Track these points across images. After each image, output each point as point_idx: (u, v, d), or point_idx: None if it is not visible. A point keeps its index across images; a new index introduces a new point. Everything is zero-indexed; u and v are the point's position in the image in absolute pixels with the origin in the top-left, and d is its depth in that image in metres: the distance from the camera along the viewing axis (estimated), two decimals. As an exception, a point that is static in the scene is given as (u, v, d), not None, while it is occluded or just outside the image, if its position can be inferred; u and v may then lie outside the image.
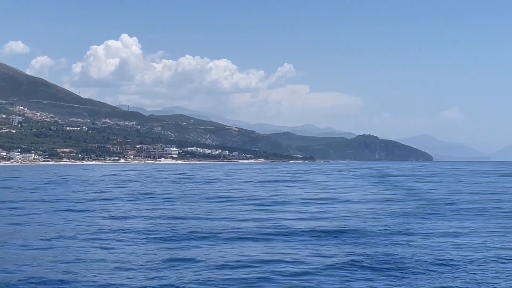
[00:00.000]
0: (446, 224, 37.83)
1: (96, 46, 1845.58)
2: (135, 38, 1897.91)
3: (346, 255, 27.02)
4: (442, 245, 28.44)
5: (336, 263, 25.21)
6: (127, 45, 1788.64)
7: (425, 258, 25.22)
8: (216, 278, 23.46)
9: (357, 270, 24.03)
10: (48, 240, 31.94)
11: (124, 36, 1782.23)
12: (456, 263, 24.14)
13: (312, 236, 34.02)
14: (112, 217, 44.48)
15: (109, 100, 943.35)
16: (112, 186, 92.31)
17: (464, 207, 49.56)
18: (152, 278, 22.41)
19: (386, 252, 27.09)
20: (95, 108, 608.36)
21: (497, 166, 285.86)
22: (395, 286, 20.89)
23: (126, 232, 35.60)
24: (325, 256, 27.89)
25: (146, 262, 26.63)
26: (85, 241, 31.68)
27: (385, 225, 36.76)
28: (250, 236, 35.30)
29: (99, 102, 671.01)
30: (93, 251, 29.17)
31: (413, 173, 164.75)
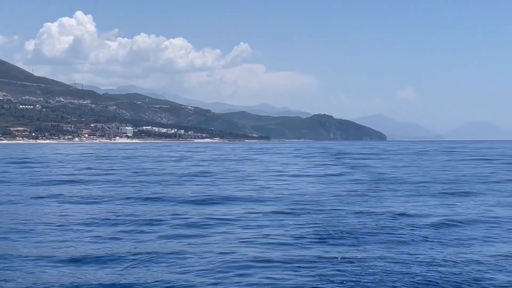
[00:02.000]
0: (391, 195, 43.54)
1: (49, 24, 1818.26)
2: (89, 15, 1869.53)
3: (297, 225, 31.54)
4: (385, 214, 32.81)
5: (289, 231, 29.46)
6: (82, 23, 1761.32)
7: (368, 225, 29.69)
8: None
9: (308, 239, 27.10)
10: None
11: (79, 14, 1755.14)
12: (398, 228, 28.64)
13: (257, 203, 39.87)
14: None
15: (63, 79, 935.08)
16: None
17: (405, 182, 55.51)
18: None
19: (335, 222, 31.54)
20: (48, 87, 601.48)
21: (446, 144, 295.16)
22: (347, 251, 23.82)
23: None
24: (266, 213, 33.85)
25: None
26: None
27: (336, 199, 41.86)
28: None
29: (52, 80, 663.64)
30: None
31: (362, 151, 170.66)
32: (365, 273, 20.35)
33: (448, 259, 22.04)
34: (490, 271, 20.05)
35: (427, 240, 26.14)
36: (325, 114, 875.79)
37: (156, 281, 19.58)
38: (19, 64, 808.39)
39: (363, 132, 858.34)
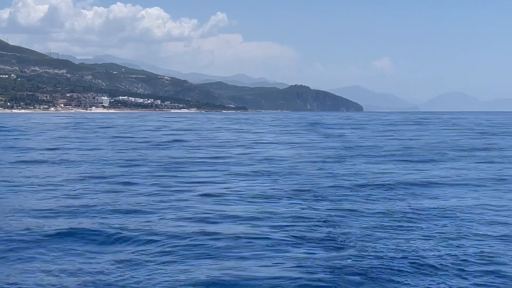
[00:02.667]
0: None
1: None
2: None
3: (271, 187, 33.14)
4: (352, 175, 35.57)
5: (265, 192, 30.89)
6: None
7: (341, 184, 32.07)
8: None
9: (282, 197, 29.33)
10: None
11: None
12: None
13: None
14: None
15: (38, 48, 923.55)
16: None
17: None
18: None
19: (309, 183, 33.43)
20: (23, 56, 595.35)
21: (421, 115, 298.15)
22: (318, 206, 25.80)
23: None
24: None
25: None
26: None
27: (310, 164, 43.83)
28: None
29: (28, 49, 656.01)
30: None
31: (338, 121, 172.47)
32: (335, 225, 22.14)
33: (414, 210, 24.76)
34: (449, 219, 22.93)
35: (398, 198, 28.51)
36: (302, 85, 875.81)
37: (136, 229, 21.32)
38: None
39: (340, 103, 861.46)
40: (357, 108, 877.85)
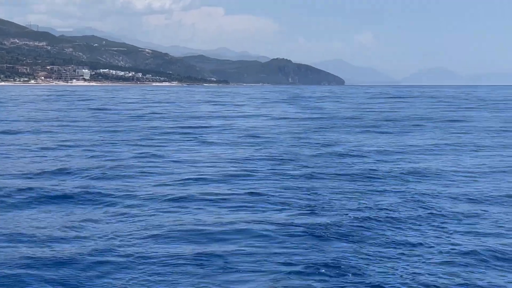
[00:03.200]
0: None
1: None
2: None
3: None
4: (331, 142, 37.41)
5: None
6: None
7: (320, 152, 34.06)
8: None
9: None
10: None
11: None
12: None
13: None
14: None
15: (18, 20, 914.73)
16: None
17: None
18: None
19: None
20: (3, 28, 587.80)
21: (402, 89, 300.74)
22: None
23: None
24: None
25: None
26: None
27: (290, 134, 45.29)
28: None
29: (7, 21, 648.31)
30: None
31: (318, 95, 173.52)
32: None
33: (388, 172, 27.46)
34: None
35: (372, 162, 31.09)
36: (283, 58, 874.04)
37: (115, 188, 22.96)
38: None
39: (322, 77, 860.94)
40: (339, 82, 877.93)
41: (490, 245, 15.38)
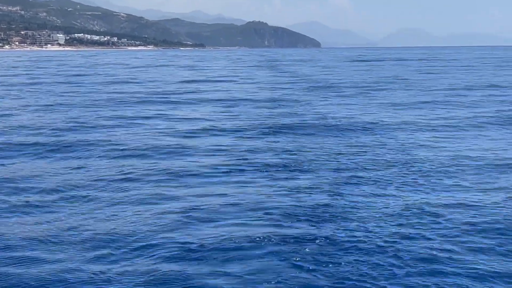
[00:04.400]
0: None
1: None
2: None
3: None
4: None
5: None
6: None
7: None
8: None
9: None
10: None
11: None
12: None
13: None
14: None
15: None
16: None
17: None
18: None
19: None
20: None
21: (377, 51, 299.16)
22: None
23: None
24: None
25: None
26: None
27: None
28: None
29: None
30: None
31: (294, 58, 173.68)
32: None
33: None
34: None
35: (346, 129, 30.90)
36: (260, 21, 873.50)
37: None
38: None
39: (298, 40, 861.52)
40: (315, 44, 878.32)
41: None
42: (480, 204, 15.23)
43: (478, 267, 11.12)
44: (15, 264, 11.39)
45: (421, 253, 11.73)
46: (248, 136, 28.40)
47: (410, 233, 12.91)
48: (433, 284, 10.46)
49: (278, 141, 27.12)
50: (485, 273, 10.86)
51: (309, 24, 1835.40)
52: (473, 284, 10.48)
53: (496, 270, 10.99)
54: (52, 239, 12.70)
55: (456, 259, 11.51)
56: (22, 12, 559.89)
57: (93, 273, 10.88)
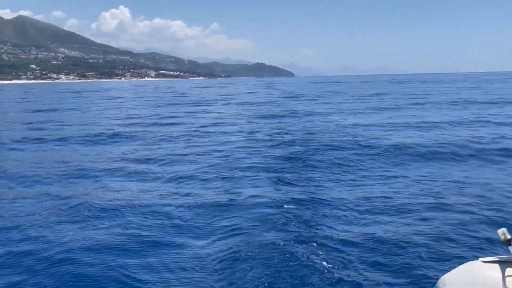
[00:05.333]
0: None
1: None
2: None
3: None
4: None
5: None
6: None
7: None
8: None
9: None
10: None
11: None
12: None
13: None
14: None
15: (113, 44, 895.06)
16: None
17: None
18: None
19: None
20: (107, 50, 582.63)
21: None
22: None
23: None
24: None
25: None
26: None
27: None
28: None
29: (108, 45, 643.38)
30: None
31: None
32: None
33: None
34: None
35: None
36: (261, 62, 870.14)
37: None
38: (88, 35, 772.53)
39: (281, 72, 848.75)
40: (291, 75, 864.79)
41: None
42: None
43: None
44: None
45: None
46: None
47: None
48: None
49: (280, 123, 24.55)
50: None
51: (288, 64, 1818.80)
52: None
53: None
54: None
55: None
56: (131, 60, 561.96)
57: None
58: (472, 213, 8.36)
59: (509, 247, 2.36)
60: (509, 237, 2.38)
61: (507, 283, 2.10)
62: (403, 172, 11.90)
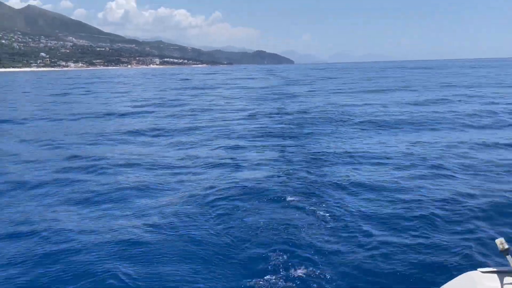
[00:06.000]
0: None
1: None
2: None
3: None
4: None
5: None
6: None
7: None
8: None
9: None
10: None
11: None
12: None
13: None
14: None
15: (119, 33, 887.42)
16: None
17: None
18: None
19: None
20: (114, 38, 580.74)
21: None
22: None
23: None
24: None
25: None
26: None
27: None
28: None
29: (114, 34, 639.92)
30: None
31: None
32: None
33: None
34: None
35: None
36: (262, 50, 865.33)
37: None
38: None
39: (281, 60, 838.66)
40: (290, 62, 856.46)
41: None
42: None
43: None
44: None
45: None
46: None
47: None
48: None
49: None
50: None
51: (288, 51, 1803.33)
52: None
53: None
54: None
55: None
56: (137, 48, 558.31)
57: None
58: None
59: (507, 257, 2.35)
60: (506, 246, 2.38)
61: None
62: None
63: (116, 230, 6.62)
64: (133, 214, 7.41)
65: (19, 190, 8.74)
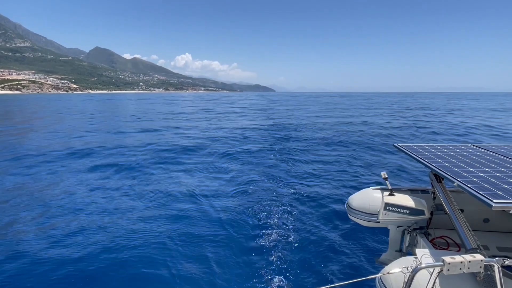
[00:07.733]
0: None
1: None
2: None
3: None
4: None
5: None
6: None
7: None
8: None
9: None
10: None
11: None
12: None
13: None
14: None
15: (177, 70, 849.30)
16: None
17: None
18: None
19: None
20: (178, 74, 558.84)
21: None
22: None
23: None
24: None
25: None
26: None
27: None
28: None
29: (181, 74, 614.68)
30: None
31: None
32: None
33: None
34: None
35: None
36: (258, 84, 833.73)
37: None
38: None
39: (268, 89, 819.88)
40: (273, 90, 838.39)
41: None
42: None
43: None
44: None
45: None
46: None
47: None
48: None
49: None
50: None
51: (272, 85, 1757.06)
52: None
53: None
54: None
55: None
56: (191, 81, 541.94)
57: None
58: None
59: (386, 181, 2.34)
60: (386, 176, 2.33)
61: (384, 200, 2.21)
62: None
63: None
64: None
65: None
